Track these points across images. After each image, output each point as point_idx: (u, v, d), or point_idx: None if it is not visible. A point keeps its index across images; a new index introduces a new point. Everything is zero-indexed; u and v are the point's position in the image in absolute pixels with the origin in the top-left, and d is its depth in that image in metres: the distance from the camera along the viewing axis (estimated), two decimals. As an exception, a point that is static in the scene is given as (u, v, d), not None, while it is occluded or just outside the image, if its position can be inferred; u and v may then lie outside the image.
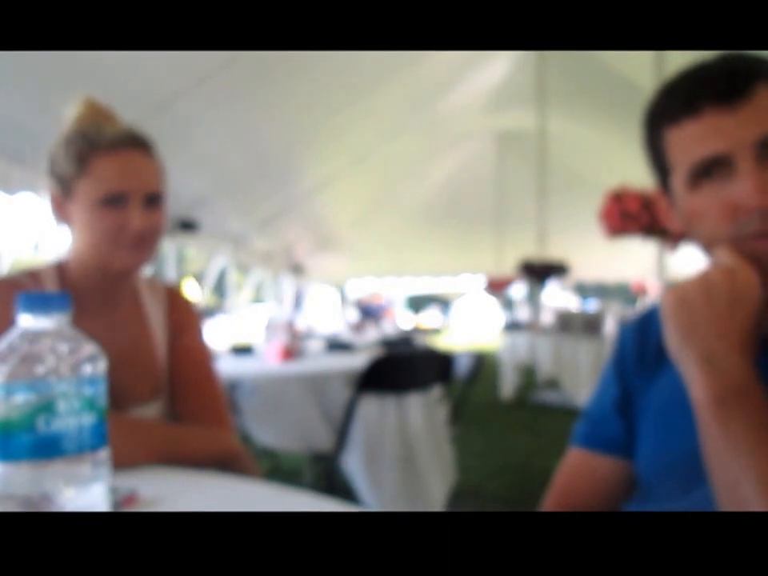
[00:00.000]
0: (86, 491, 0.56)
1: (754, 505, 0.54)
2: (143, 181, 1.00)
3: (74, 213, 1.01)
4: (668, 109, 0.69)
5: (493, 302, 20.10)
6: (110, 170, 0.98)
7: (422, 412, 2.37)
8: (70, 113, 1.03)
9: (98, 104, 1.04)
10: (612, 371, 0.83)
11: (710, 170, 0.66)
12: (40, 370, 0.54)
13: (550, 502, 0.83)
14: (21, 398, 0.53)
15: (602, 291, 18.19)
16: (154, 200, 1.02)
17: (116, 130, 1.01)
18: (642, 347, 0.79)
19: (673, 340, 0.64)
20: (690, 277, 0.66)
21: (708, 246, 0.70)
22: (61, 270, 1.06)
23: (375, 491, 2.21)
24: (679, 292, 0.65)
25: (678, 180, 0.70)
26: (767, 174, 0.63)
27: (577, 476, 0.82)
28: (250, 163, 5.81)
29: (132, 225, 0.99)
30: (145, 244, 1.02)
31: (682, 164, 0.68)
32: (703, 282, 0.64)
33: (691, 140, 0.67)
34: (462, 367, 3.01)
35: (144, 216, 1.00)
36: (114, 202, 0.98)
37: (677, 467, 0.70)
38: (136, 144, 1.01)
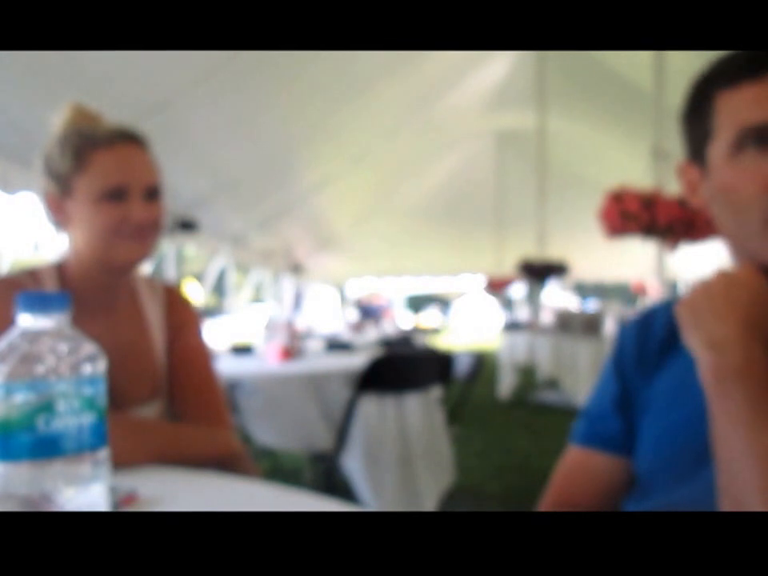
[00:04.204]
0: (86, 491, 0.56)
1: (750, 479, 0.55)
2: (142, 174, 1.01)
3: (73, 210, 1.01)
4: (727, 72, 0.67)
5: (493, 301, 20.11)
6: (109, 164, 0.99)
7: (421, 412, 2.38)
8: (57, 119, 1.04)
9: (85, 108, 1.05)
10: (611, 369, 0.83)
11: (763, 136, 0.64)
12: (40, 369, 0.54)
13: (547, 500, 0.82)
14: (21, 398, 0.53)
15: (601, 291, 18.21)
16: (153, 193, 1.03)
17: (111, 126, 1.03)
18: (642, 346, 0.80)
19: (685, 333, 0.67)
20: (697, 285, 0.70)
21: (733, 224, 0.69)
22: (61, 269, 1.06)
23: (375, 491, 2.21)
24: (688, 297, 0.68)
25: (721, 145, 0.68)
26: None
27: (575, 474, 0.82)
28: (250, 163, 5.81)
29: (133, 217, 0.99)
30: (146, 236, 1.02)
31: (731, 127, 0.66)
32: (704, 285, 0.68)
33: (748, 103, 0.65)
34: (462, 367, 3.01)
35: (145, 208, 1.00)
36: (114, 195, 0.99)
37: (674, 461, 0.71)
38: (132, 138, 1.03)
